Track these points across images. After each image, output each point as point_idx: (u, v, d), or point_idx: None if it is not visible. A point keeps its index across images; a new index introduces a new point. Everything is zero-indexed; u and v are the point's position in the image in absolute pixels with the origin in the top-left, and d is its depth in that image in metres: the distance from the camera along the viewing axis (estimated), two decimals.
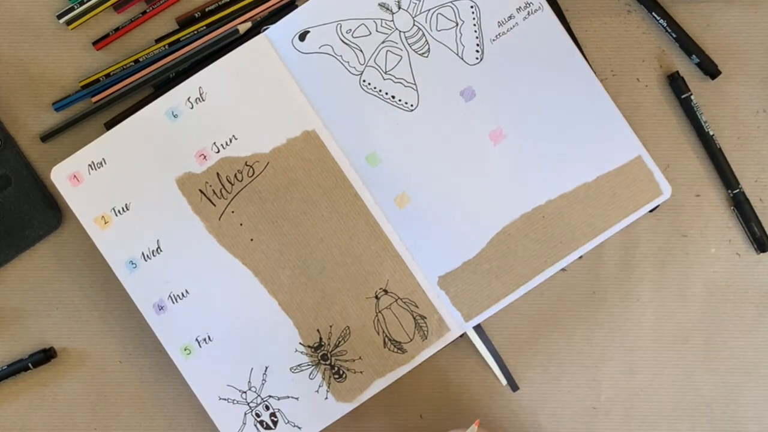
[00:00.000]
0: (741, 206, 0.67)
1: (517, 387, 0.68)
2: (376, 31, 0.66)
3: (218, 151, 0.66)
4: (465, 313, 0.66)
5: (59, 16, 0.67)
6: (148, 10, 0.67)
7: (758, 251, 0.67)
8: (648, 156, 0.66)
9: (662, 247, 0.68)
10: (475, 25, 0.66)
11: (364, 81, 0.66)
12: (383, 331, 0.66)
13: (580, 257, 0.66)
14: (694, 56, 0.67)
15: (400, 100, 0.66)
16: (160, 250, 0.66)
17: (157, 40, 0.67)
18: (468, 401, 0.68)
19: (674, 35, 0.66)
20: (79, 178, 0.65)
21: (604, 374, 0.68)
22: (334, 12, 0.65)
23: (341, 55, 0.66)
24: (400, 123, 0.66)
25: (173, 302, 0.66)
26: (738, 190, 0.67)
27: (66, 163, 0.65)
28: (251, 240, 0.66)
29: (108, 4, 0.67)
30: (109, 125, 0.67)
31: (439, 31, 0.66)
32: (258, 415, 0.66)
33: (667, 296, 0.68)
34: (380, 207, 0.66)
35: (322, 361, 0.66)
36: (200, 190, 0.66)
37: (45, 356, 0.67)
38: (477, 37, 0.66)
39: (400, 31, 0.66)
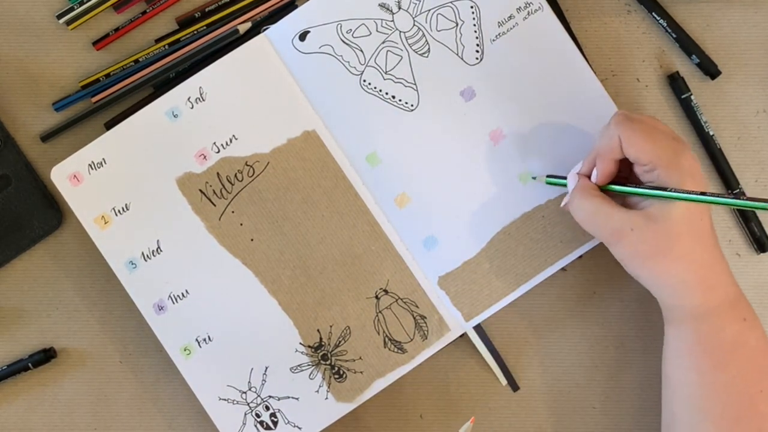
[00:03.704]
0: None
1: (518, 387, 0.68)
2: (377, 31, 0.66)
3: (218, 151, 0.66)
4: (465, 313, 0.66)
5: (59, 16, 0.67)
6: (148, 10, 0.67)
7: (758, 251, 0.67)
8: None
9: None
10: (475, 25, 0.66)
11: (364, 81, 0.66)
12: (383, 331, 0.66)
13: (580, 257, 0.66)
14: (694, 56, 0.67)
15: (400, 100, 0.66)
16: (160, 250, 0.66)
17: (157, 40, 0.67)
18: (468, 401, 0.68)
19: (674, 35, 0.66)
20: (79, 178, 0.65)
21: (604, 374, 0.68)
22: (335, 12, 0.65)
23: (341, 55, 0.66)
24: (400, 123, 0.66)
25: (173, 302, 0.66)
26: (738, 190, 0.67)
27: (66, 163, 0.65)
28: (251, 240, 0.66)
29: (108, 4, 0.67)
30: (109, 125, 0.67)
31: (439, 31, 0.66)
32: (258, 416, 0.66)
33: None
34: (380, 207, 0.66)
35: (322, 361, 0.66)
36: (200, 190, 0.66)
37: (45, 356, 0.67)
38: (477, 37, 0.66)
39: (400, 31, 0.66)
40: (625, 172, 0.61)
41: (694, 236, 0.58)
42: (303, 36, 0.66)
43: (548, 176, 0.64)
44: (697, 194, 0.56)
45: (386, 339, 0.66)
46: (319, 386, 0.66)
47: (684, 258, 0.58)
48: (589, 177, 0.61)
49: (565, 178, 0.63)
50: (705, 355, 0.59)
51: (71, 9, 0.66)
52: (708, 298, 0.59)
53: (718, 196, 0.56)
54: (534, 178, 0.65)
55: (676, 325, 0.60)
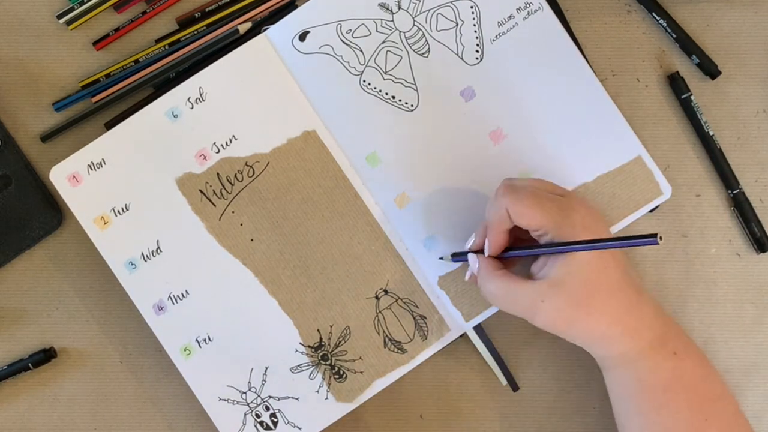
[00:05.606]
0: (741, 206, 0.67)
1: (518, 387, 0.68)
2: (376, 31, 0.66)
3: (218, 151, 0.66)
4: (465, 313, 0.66)
5: (59, 16, 0.67)
6: (148, 10, 0.67)
7: (758, 251, 0.67)
8: (648, 156, 0.66)
9: (662, 247, 0.68)
10: (475, 25, 0.66)
11: (364, 81, 0.66)
12: (383, 331, 0.66)
13: None
14: (694, 56, 0.67)
15: (400, 100, 0.66)
16: (160, 251, 0.66)
17: (157, 40, 0.67)
18: (468, 401, 0.68)
19: (674, 35, 0.66)
20: (78, 178, 0.65)
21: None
22: (334, 12, 0.65)
23: (341, 55, 0.66)
24: (400, 123, 0.66)
25: (173, 303, 0.66)
26: (738, 190, 0.67)
27: (65, 163, 0.65)
28: (251, 240, 0.66)
29: (108, 4, 0.67)
30: (109, 125, 0.67)
31: (439, 31, 0.66)
32: (258, 416, 0.66)
33: (667, 296, 0.68)
34: (380, 207, 0.66)
35: (322, 361, 0.66)
36: (200, 190, 0.66)
37: (45, 356, 0.67)
38: (477, 37, 0.66)
39: (400, 31, 0.66)
40: (524, 234, 0.60)
41: (603, 290, 0.57)
42: (303, 36, 0.66)
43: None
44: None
45: (386, 339, 0.66)
46: (319, 386, 0.66)
47: (600, 313, 0.57)
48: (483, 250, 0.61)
49: (467, 254, 0.62)
50: (644, 398, 0.59)
51: (71, 9, 0.66)
52: (635, 342, 0.58)
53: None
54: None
55: (611, 371, 0.61)
